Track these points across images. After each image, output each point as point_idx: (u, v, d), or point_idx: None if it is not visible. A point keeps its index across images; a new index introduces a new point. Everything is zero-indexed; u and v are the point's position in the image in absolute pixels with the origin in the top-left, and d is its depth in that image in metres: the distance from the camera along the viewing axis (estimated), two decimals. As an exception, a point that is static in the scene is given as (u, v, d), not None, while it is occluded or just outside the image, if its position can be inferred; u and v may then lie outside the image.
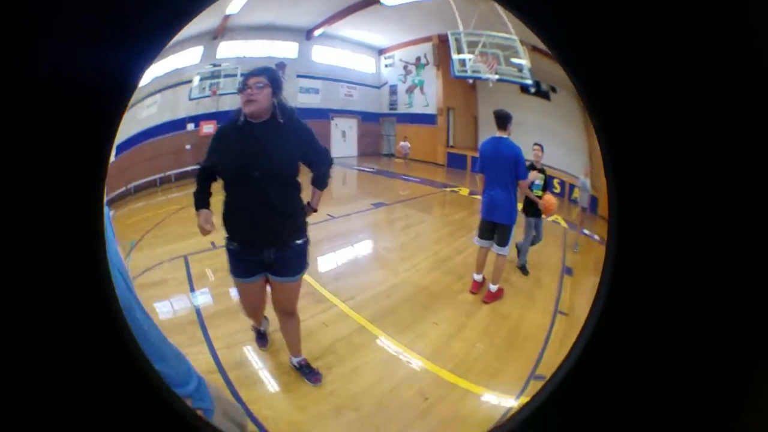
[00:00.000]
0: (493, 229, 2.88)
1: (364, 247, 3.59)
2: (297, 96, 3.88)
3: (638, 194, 0.51)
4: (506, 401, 2.05)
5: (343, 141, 4.29)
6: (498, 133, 2.87)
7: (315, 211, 2.08)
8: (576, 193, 3.42)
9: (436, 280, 3.02)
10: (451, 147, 4.35)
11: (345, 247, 3.45)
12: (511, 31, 3.34)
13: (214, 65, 3.15)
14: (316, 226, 2.69)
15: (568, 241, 3.47)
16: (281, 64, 3.61)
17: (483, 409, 2.07)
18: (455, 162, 4.30)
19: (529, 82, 3.45)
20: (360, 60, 4.16)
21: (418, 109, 4.25)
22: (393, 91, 4.26)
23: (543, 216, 3.22)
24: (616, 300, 0.54)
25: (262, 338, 2.32)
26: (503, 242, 2.85)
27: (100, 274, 0.48)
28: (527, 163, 2.99)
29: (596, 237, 3.35)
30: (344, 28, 3.80)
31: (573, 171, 3.39)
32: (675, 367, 0.53)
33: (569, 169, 3.51)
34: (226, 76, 3.20)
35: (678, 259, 0.51)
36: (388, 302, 2.74)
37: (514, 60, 3.45)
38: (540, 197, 3.15)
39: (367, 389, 2.05)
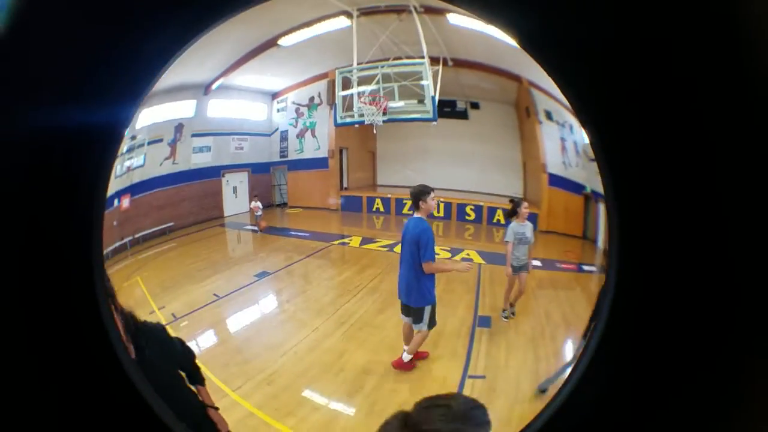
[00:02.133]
0: (408, 308, 2.83)
1: (243, 330, 3.24)
2: (191, 157, 3.59)
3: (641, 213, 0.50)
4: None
5: (234, 198, 4.00)
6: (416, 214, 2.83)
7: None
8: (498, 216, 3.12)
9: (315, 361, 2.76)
10: (345, 189, 4.16)
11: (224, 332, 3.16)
12: (423, 50, 3.17)
13: (132, 137, 3.00)
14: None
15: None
16: (179, 126, 3.40)
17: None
18: (351, 205, 4.10)
19: (427, 116, 3.28)
20: (252, 108, 3.92)
21: (309, 153, 4.03)
22: (284, 137, 4.00)
23: None
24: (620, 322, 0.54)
25: None
26: (417, 320, 2.79)
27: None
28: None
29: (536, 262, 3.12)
30: (240, 76, 3.59)
31: (500, 190, 3.30)
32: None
33: (494, 190, 3.40)
34: (139, 146, 3.01)
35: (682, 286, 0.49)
36: (271, 389, 2.51)
37: (419, 84, 3.24)
38: None
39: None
